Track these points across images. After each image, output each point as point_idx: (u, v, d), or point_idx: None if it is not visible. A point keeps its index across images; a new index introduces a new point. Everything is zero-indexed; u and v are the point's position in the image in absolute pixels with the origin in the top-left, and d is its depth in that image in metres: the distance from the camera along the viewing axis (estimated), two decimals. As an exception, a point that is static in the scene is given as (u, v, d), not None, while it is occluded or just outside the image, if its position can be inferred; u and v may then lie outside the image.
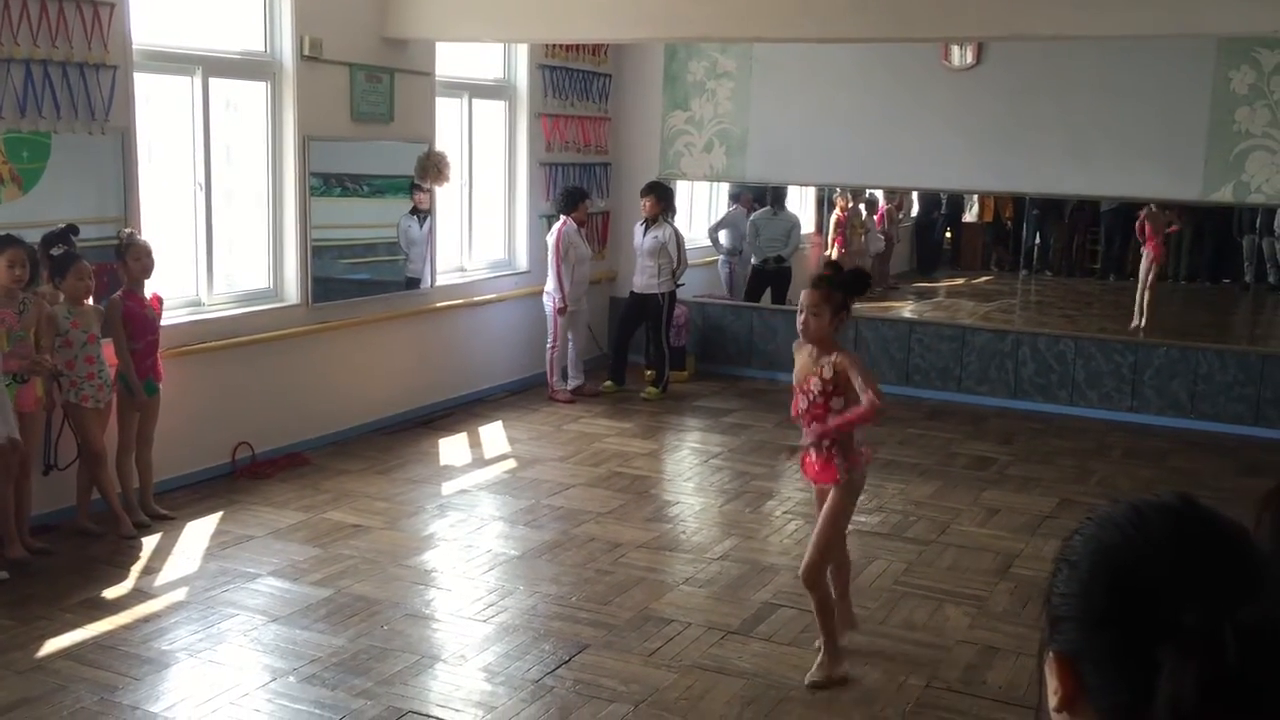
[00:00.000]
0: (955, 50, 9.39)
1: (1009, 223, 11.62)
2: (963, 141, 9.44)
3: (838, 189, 10.88)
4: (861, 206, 11.39)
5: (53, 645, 4.76)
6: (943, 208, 12.06)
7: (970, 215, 12.09)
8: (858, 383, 4.46)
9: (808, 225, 11.27)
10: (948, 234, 12.31)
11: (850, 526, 6.47)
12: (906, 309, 11.39)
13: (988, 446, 8.42)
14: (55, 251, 5.76)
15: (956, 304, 11.64)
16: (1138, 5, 6.30)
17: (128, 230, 6.19)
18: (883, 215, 11.71)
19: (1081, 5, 6.40)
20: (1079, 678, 1.05)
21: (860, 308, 10.99)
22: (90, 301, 5.95)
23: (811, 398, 4.53)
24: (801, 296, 4.54)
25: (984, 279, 12.06)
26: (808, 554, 4.64)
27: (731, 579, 5.74)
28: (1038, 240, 11.38)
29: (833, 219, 11.09)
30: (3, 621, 4.96)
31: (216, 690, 4.43)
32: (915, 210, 12.23)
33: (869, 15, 6.86)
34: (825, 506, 4.64)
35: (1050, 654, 1.08)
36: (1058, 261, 11.66)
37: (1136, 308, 10.05)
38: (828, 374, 4.48)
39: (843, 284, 4.51)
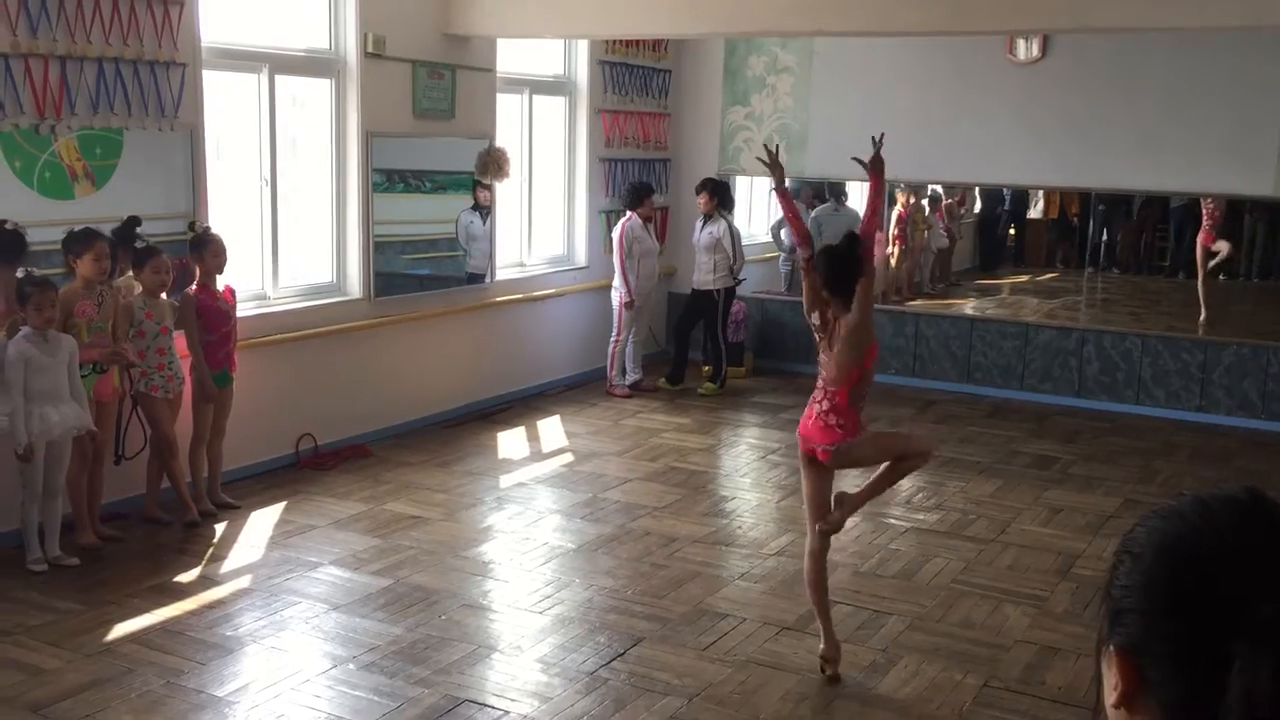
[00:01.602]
0: (1020, 43, 9.26)
1: (1075, 219, 11.44)
2: (1027, 136, 9.31)
3: (899, 185, 10.79)
4: (924, 202, 11.28)
5: (121, 629, 4.88)
6: (1006, 204, 11.90)
7: (1035, 212, 11.92)
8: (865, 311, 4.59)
9: (869, 221, 11.16)
10: (1011, 230, 12.15)
11: (908, 524, 6.51)
12: (968, 306, 11.26)
13: (1050, 445, 8.30)
14: (138, 244, 5.91)
15: (1020, 301, 11.48)
16: (1208, -3, 6.17)
17: (204, 225, 6.32)
18: (944, 211, 11.58)
19: (1149, -3, 6.29)
20: (1140, 673, 1.02)
21: (922, 304, 10.94)
22: (165, 295, 6.09)
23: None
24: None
25: (1049, 276, 11.88)
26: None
27: (787, 575, 5.73)
28: (1104, 237, 11.20)
29: (894, 215, 11.00)
30: (73, 606, 5.10)
31: (279, 676, 4.52)
32: (978, 206, 12.08)
33: (931, 8, 6.79)
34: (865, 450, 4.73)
35: (1110, 649, 1.05)
36: (1125, 258, 11.46)
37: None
38: (841, 330, 4.57)
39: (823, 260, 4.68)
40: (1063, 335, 9.64)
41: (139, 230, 5.98)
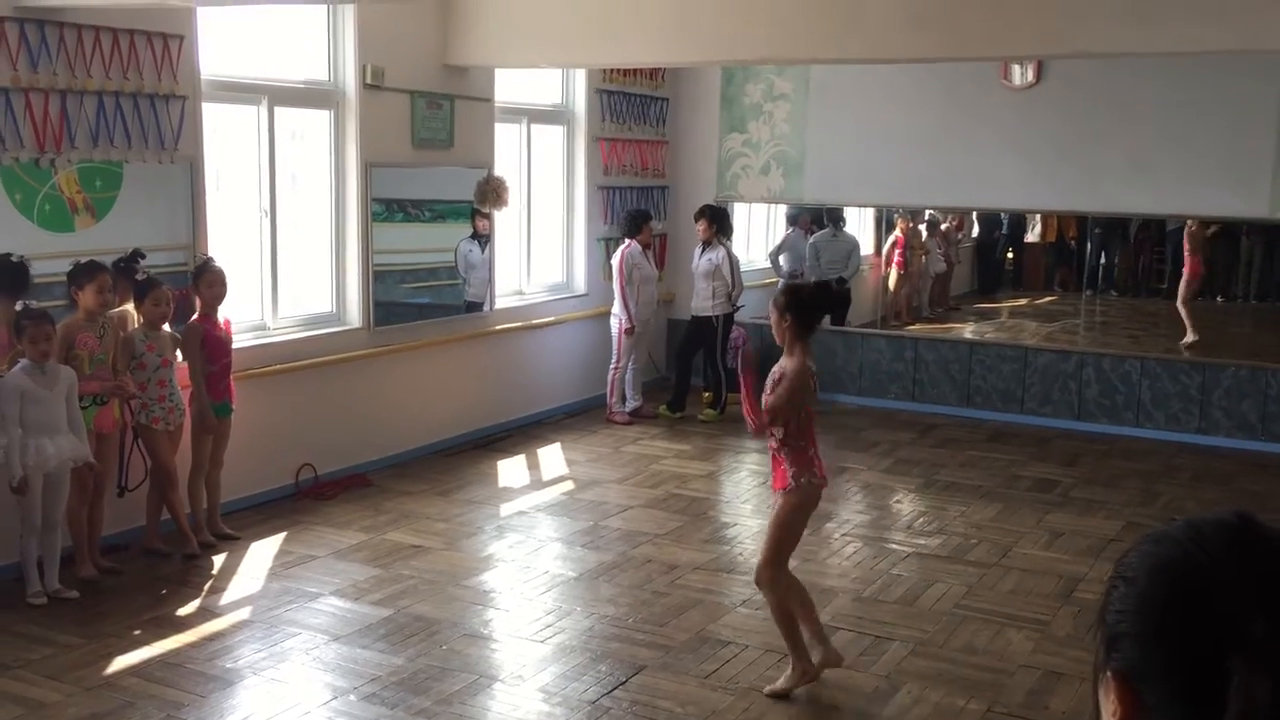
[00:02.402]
0: (1015, 69, 9.32)
1: (1072, 242, 11.48)
2: (1023, 161, 9.36)
3: (898, 210, 10.83)
4: (921, 227, 11.32)
5: (121, 662, 4.86)
6: (1004, 228, 11.94)
7: (1032, 235, 11.96)
8: (775, 396, 4.60)
9: (867, 247, 11.22)
10: (1009, 254, 12.19)
11: (909, 549, 6.49)
12: (967, 330, 11.29)
13: (1051, 469, 8.30)
14: (139, 276, 5.93)
15: (1019, 325, 11.51)
16: (1200, 22, 6.21)
17: (205, 255, 6.34)
18: (941, 236, 11.62)
19: (1143, 22, 6.33)
20: (1138, 697, 1.02)
21: (921, 329, 10.96)
22: (167, 327, 6.10)
23: (769, 391, 4.65)
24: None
25: (1047, 299, 11.91)
26: (759, 562, 4.76)
27: (789, 601, 5.71)
28: (1102, 260, 11.23)
29: (891, 240, 11.03)
30: (73, 639, 5.08)
31: (279, 708, 4.50)
32: (976, 231, 12.13)
33: (926, 35, 6.84)
34: (772, 518, 4.78)
35: (1107, 674, 1.05)
36: (1123, 281, 11.50)
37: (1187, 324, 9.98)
38: (776, 374, 4.65)
39: (797, 304, 4.70)
40: (1062, 358, 9.64)
41: (141, 263, 6.00)
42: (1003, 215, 11.59)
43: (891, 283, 11.12)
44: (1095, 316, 11.26)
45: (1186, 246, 9.99)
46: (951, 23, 6.76)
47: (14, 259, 5.48)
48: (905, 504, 7.52)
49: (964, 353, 10.03)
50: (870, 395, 10.26)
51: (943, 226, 11.60)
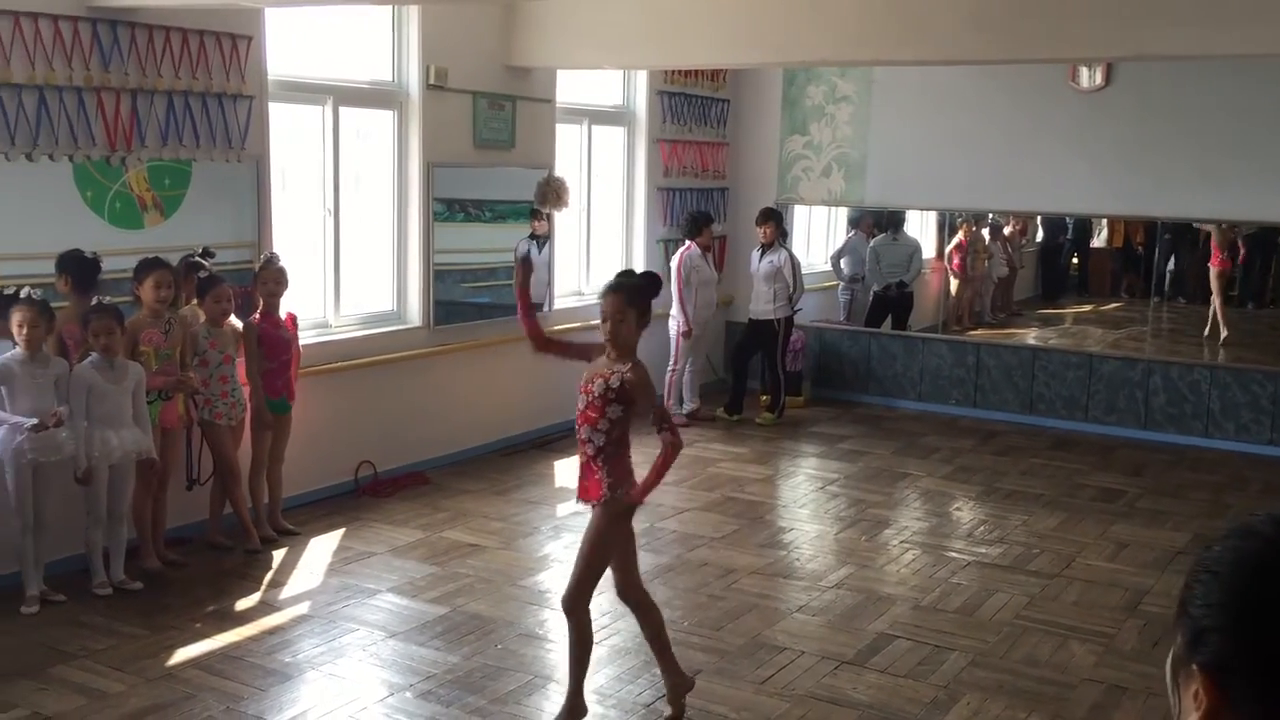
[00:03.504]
0: (1084, 71, 9.16)
1: (1140, 248, 11.24)
2: (1090, 165, 9.20)
3: (960, 214, 10.70)
4: (984, 231, 11.17)
5: (183, 654, 4.93)
6: (1069, 233, 11.73)
7: (1099, 240, 11.74)
8: (648, 415, 4.26)
9: (928, 250, 11.09)
10: (1074, 259, 11.98)
11: (969, 557, 6.40)
12: (1030, 335, 11.11)
13: (1116, 478, 8.14)
14: (201, 274, 6.02)
15: (1084, 331, 11.30)
16: (1270, 24, 6.05)
17: (269, 253, 6.42)
18: (1005, 240, 11.45)
19: (1212, 24, 6.18)
20: (1224, 691, 1.03)
21: (983, 334, 10.81)
22: (234, 320, 6.18)
23: (590, 398, 4.26)
24: (603, 303, 4.34)
25: (1113, 306, 11.68)
26: (568, 585, 4.38)
27: (846, 608, 5.66)
28: (1171, 266, 10.99)
29: (953, 243, 10.90)
30: (136, 630, 5.16)
31: (337, 703, 4.53)
32: (1040, 235, 11.94)
33: (991, 36, 6.74)
34: (585, 534, 4.40)
35: (1193, 668, 1.05)
36: (1192, 288, 11.24)
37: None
38: (616, 383, 4.22)
39: (641, 290, 4.34)
40: (1128, 366, 9.46)
41: (209, 260, 6.09)
42: (1068, 220, 11.40)
43: (953, 287, 10.98)
44: (1163, 323, 11.02)
45: (1214, 242, 9.93)
46: (1017, 24, 6.65)
47: (86, 255, 5.58)
48: (965, 512, 7.41)
49: (1027, 359, 9.88)
50: (930, 401, 10.14)
51: (1006, 230, 11.43)
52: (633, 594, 4.44)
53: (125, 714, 4.38)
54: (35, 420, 5.13)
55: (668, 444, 4.25)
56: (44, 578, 5.42)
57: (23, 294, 5.24)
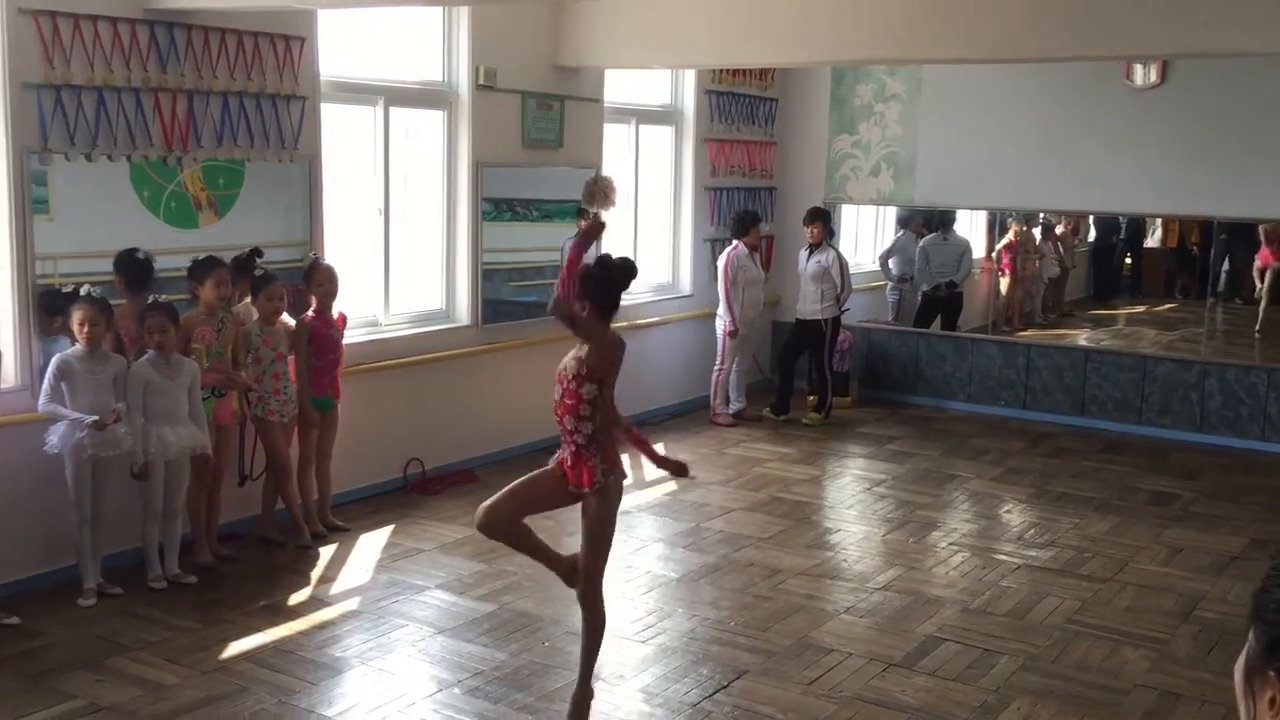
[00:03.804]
0: (1138, 68, 9.04)
1: (1195, 248, 11.07)
2: (1145, 163, 9.07)
3: (1010, 213, 10.59)
4: (1035, 231, 11.05)
5: (236, 648, 5.00)
6: (1122, 232, 11.58)
7: (1153, 240, 11.57)
8: (610, 375, 4.34)
9: (978, 250, 10.99)
10: (1127, 260, 11.81)
11: (1019, 561, 6.33)
12: (1082, 337, 10.97)
13: (1170, 482, 8.02)
14: (257, 273, 6.10)
15: (1137, 332, 11.14)
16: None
17: (313, 254, 6.49)
18: (1056, 240, 11.32)
19: (1272, 21, 6.07)
20: None
21: (1033, 335, 10.69)
22: (287, 318, 6.26)
23: (566, 384, 4.27)
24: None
25: (1167, 306, 11.51)
26: (584, 579, 4.37)
27: (894, 610, 5.62)
28: (1227, 266, 10.81)
29: (1003, 243, 10.79)
30: (190, 623, 5.24)
31: (386, 698, 4.57)
32: (1092, 235, 11.79)
33: (1045, 34, 6.66)
34: (589, 525, 4.35)
35: (1269, 675, 1.03)
36: (1248, 289, 11.04)
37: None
38: (584, 353, 4.29)
39: (596, 282, 4.35)
40: (1183, 368, 9.32)
41: (259, 260, 6.17)
42: (1121, 219, 11.25)
43: (1003, 287, 10.87)
44: (1218, 325, 10.84)
45: (1263, 238, 9.88)
46: (1071, 21, 6.57)
47: (139, 255, 5.68)
48: (1015, 514, 7.34)
49: (1079, 360, 9.76)
50: (980, 402, 10.05)
51: (1057, 230, 11.30)
52: (502, 520, 4.36)
53: (180, 706, 4.44)
54: (95, 417, 5.23)
55: (633, 430, 4.48)
56: (101, 571, 5.51)
57: (82, 292, 5.34)
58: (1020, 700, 4.69)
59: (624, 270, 4.44)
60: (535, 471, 4.43)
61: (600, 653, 4.45)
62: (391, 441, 7.29)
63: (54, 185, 5.47)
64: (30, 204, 5.39)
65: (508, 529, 4.35)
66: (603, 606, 4.38)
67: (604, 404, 4.27)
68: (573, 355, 4.31)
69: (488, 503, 4.33)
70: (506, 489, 4.35)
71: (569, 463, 4.32)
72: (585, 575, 4.34)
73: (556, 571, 4.48)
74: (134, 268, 5.67)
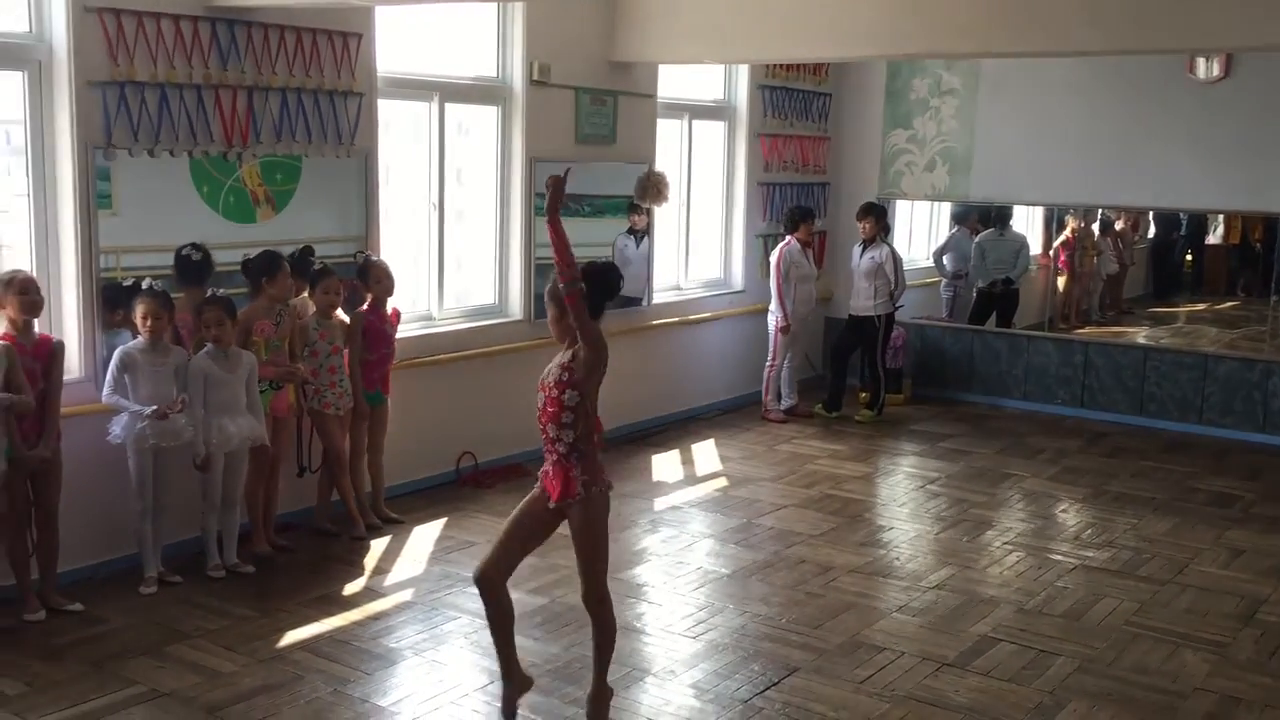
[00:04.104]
0: (1201, 62, 8.87)
1: (1258, 245, 10.85)
2: (1207, 159, 8.90)
3: (1069, 209, 10.45)
4: (1094, 227, 10.89)
5: (292, 637, 5.06)
6: (1182, 229, 11.39)
7: (1214, 237, 11.37)
8: (593, 375, 4.21)
9: (1035, 246, 10.85)
10: (1188, 257, 11.62)
11: (1075, 561, 6.25)
12: (1141, 335, 10.80)
13: (1231, 483, 7.87)
14: (314, 266, 6.18)
15: (1198, 330, 10.95)
16: None
17: (364, 252, 6.56)
18: (1115, 236, 11.15)
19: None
20: None
21: (1091, 332, 10.54)
22: (341, 313, 6.33)
23: (548, 391, 4.17)
24: (546, 295, 4.30)
25: (1229, 304, 11.31)
26: (583, 585, 4.28)
27: (948, 609, 5.57)
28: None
29: (1061, 240, 10.64)
30: (248, 612, 5.32)
31: (439, 689, 4.61)
32: (1152, 231, 11.60)
33: (1105, 27, 6.56)
34: (575, 536, 4.23)
35: None
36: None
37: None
38: (567, 358, 4.17)
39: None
40: (1245, 367, 9.14)
41: (312, 257, 6.24)
42: (1181, 215, 11.06)
43: (1061, 284, 10.73)
44: (1282, 323, 10.64)
45: None
46: (1133, 14, 6.46)
47: (194, 258, 5.78)
48: (1071, 514, 7.24)
49: (1137, 358, 9.61)
50: (1035, 400, 9.93)
51: (1116, 226, 11.14)
52: (502, 577, 4.26)
53: (238, 693, 4.51)
54: (156, 407, 5.32)
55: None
56: (162, 559, 5.61)
57: (144, 285, 5.43)
58: (1077, 702, 4.63)
59: (617, 276, 4.38)
60: (519, 507, 4.31)
61: (614, 652, 4.36)
62: (444, 435, 7.34)
63: (116, 180, 5.56)
64: (95, 199, 5.49)
65: (499, 599, 4.22)
66: (610, 610, 4.31)
67: (585, 413, 4.17)
68: (556, 362, 4.21)
69: (485, 558, 4.26)
70: (498, 541, 4.27)
71: (550, 475, 4.22)
72: (584, 581, 4.26)
73: (506, 679, 4.30)
74: (187, 265, 5.77)
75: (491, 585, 4.21)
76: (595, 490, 4.21)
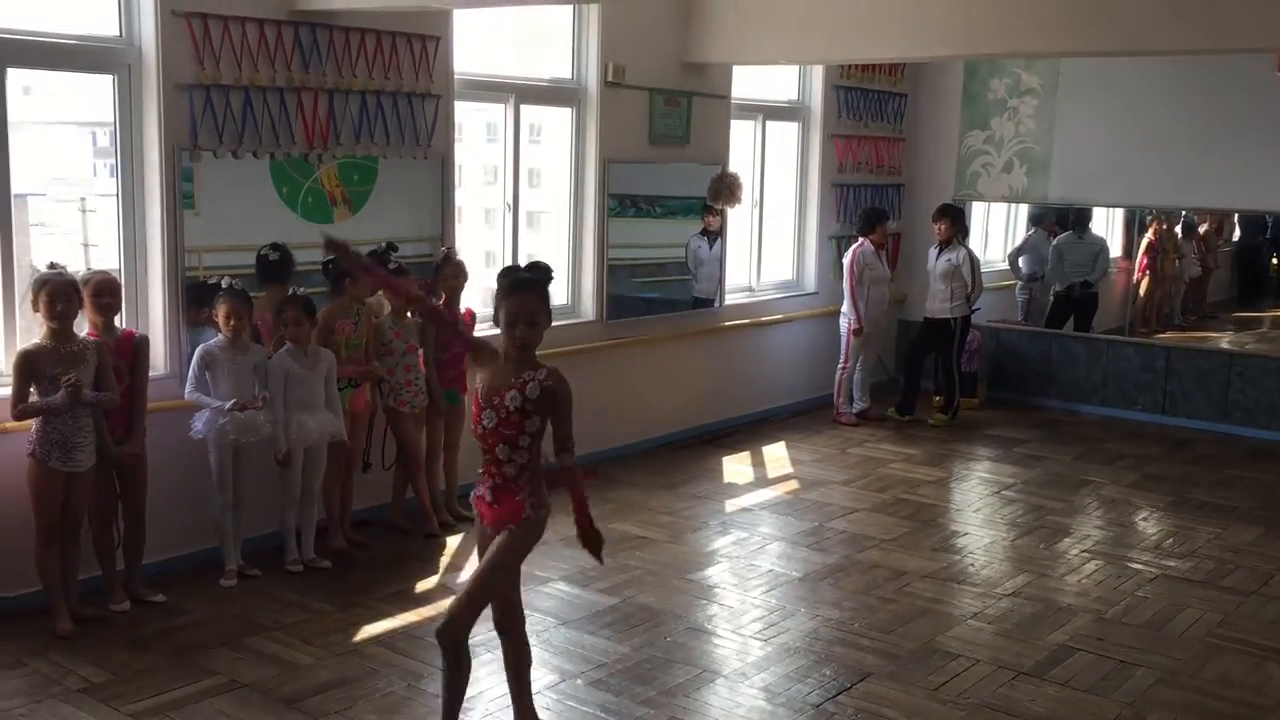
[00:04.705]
0: (1289, 60, 8.63)
1: (1349, 248, 10.54)
2: (1296, 159, 8.67)
3: (1150, 210, 10.22)
4: (1176, 229, 10.65)
5: (367, 631, 5.13)
6: (1269, 231, 11.08)
7: (1302, 240, 11.05)
8: (563, 428, 3.78)
9: (1115, 249, 10.64)
10: (1275, 260, 11.30)
11: (1156, 570, 6.12)
12: (1225, 340, 10.53)
13: (1319, 493, 7.66)
14: (390, 266, 6.26)
15: (1285, 336, 10.66)
16: None
17: (446, 247, 6.63)
18: (1199, 239, 10.88)
19: None
20: None
21: (1173, 337, 10.30)
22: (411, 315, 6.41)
23: (505, 414, 3.74)
24: (512, 303, 3.76)
25: (1319, 309, 10.98)
26: (453, 602, 3.88)
27: (1024, 617, 5.49)
28: (1384, 267, 10.27)
29: (1143, 243, 10.42)
30: (324, 606, 5.40)
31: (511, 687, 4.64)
32: (1237, 234, 11.31)
33: (1189, 25, 6.41)
34: (493, 543, 3.84)
35: None
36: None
37: None
38: (535, 393, 3.74)
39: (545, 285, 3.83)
40: (1335, 374, 8.88)
41: (393, 255, 6.32)
42: (1268, 218, 10.77)
43: (1142, 288, 10.50)
44: (1375, 329, 10.32)
45: None
46: (1219, 11, 6.31)
47: (271, 257, 5.88)
48: (1152, 522, 7.09)
49: (1221, 364, 9.38)
50: (1115, 406, 9.74)
51: (1200, 229, 10.87)
52: (516, 623, 4.02)
53: (315, 685, 4.59)
54: (235, 400, 5.43)
55: (576, 471, 3.79)
56: (241, 553, 5.73)
57: (224, 284, 5.55)
58: (1157, 714, 4.53)
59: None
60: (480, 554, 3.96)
61: (528, 683, 4.13)
62: (517, 434, 7.38)
63: (199, 181, 5.69)
64: (180, 199, 5.62)
65: (458, 648, 3.82)
66: (467, 643, 3.85)
67: (541, 437, 3.82)
68: (511, 385, 3.76)
69: (448, 611, 3.88)
70: (463, 592, 3.89)
71: (488, 498, 3.86)
72: (465, 606, 3.79)
73: None
74: (266, 265, 5.88)
75: (453, 631, 3.79)
76: (541, 514, 3.88)
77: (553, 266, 4.02)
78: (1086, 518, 7.16)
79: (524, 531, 3.85)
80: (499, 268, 7.42)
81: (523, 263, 7.51)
